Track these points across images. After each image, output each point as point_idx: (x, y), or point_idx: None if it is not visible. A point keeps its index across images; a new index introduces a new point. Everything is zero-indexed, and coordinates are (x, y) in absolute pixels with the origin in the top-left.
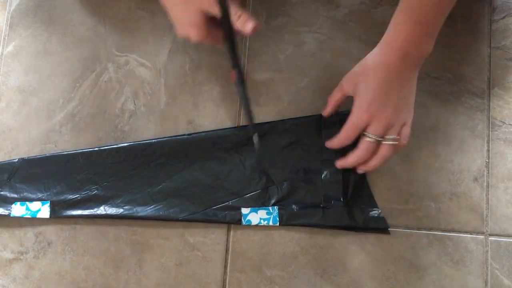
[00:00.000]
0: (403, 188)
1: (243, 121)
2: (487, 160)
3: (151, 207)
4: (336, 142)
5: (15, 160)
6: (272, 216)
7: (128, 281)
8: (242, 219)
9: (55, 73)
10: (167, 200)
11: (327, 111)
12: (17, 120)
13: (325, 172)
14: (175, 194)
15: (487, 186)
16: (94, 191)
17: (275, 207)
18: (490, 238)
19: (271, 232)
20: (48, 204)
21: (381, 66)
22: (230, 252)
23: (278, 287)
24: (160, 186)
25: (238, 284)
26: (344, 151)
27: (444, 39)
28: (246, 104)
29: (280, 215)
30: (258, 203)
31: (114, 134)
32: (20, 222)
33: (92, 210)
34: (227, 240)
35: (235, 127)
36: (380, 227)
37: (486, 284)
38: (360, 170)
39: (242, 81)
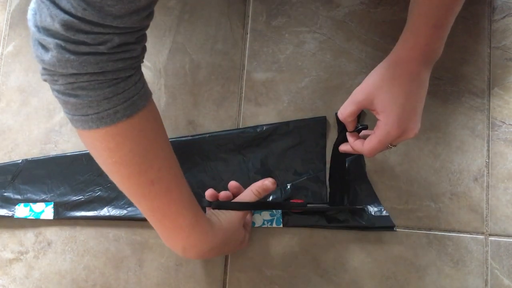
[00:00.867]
0: (403, 188)
1: (243, 121)
2: (487, 160)
3: None
4: (361, 151)
5: (18, 161)
6: (275, 217)
7: (128, 281)
8: None
9: None
10: None
11: (350, 127)
12: (17, 120)
13: (328, 174)
14: None
15: (487, 186)
16: (97, 192)
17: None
18: (490, 238)
19: (271, 232)
20: (52, 205)
21: (404, 76)
22: None
23: (278, 287)
24: None
25: (238, 284)
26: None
27: None
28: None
29: (283, 216)
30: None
31: None
32: (20, 222)
33: (95, 212)
34: None
35: (238, 129)
36: (386, 225)
37: (486, 284)
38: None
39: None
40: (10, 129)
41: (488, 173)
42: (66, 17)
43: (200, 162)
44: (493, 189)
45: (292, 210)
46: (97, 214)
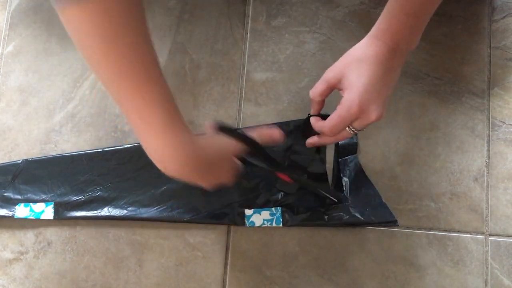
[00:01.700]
0: (403, 188)
1: (243, 121)
2: (487, 160)
3: (155, 208)
4: (322, 139)
5: (19, 161)
6: (275, 217)
7: (128, 281)
8: (246, 221)
9: (55, 73)
10: (171, 201)
11: (316, 109)
12: (17, 120)
13: (327, 172)
14: (179, 195)
15: (487, 186)
16: (97, 192)
17: (279, 208)
18: (490, 238)
19: (271, 232)
20: (52, 205)
21: (372, 58)
22: (230, 252)
23: (278, 287)
24: (164, 188)
25: (238, 284)
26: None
27: (444, 39)
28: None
29: (283, 216)
30: (262, 204)
31: (114, 134)
32: (21, 222)
33: (95, 212)
34: (227, 240)
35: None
36: (386, 220)
37: (486, 284)
38: (310, 145)
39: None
40: (10, 129)
41: (488, 173)
42: None
43: None
44: (493, 189)
45: (279, 175)
46: (97, 214)
